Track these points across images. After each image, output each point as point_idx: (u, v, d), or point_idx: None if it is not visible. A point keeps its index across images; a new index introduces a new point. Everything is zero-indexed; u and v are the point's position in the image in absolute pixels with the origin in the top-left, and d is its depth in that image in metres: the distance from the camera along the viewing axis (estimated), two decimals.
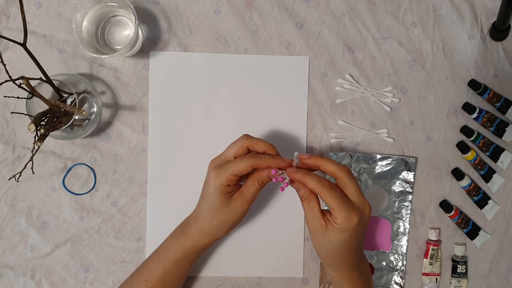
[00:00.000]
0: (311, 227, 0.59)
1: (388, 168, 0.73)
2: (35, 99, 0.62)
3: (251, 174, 0.62)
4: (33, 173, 0.63)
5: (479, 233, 0.74)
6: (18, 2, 0.58)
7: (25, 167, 0.62)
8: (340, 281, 0.61)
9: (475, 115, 0.73)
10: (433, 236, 0.73)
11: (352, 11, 0.73)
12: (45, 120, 0.63)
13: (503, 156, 0.73)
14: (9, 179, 0.65)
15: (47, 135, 0.62)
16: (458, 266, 0.73)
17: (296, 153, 0.60)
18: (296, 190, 0.60)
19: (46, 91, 0.65)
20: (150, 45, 0.72)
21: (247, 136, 0.62)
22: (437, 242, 0.73)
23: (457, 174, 0.73)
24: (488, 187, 0.74)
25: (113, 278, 0.72)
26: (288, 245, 0.73)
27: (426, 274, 0.73)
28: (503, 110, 0.73)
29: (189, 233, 0.64)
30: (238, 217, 0.63)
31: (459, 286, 0.74)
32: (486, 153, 0.73)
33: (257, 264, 0.73)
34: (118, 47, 0.70)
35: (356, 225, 0.56)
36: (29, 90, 0.58)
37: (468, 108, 0.73)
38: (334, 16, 0.73)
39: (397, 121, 0.74)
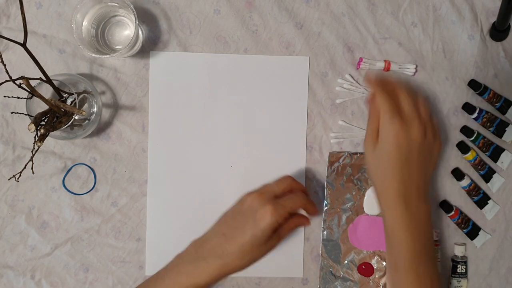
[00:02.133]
0: (365, 143, 0.62)
1: None
2: (35, 99, 0.62)
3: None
4: (33, 173, 0.63)
5: (479, 233, 0.74)
6: (18, 2, 0.58)
7: (25, 167, 0.62)
8: (390, 225, 0.60)
9: (475, 115, 0.73)
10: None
11: (352, 11, 0.73)
12: (45, 120, 0.63)
13: (503, 156, 0.73)
14: (9, 179, 0.65)
15: (47, 135, 0.62)
16: (458, 266, 0.73)
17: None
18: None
19: (46, 91, 0.65)
20: (150, 45, 0.72)
21: (291, 178, 0.65)
22: (437, 242, 0.73)
23: (457, 174, 0.73)
24: (488, 187, 0.74)
25: (113, 278, 0.72)
26: (288, 245, 0.73)
27: None
28: (503, 110, 0.73)
29: (206, 269, 0.59)
30: (266, 255, 0.61)
31: (459, 286, 0.74)
32: (486, 153, 0.73)
33: (257, 264, 0.73)
34: (118, 47, 0.70)
35: (397, 133, 0.58)
36: (29, 90, 0.58)
37: (468, 108, 0.73)
38: (334, 16, 0.73)
39: None
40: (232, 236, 0.59)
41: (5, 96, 0.64)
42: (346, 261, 0.73)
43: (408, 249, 0.60)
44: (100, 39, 0.70)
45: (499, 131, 0.73)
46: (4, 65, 0.59)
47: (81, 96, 0.67)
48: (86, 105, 0.69)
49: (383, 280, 0.73)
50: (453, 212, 0.73)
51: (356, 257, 0.73)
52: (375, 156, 0.61)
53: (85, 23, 0.68)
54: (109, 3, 0.68)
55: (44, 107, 0.64)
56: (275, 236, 0.60)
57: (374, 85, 0.62)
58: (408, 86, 0.63)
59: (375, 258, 0.73)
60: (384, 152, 0.60)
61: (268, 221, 0.58)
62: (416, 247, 0.60)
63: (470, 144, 0.74)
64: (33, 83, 0.60)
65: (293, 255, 0.73)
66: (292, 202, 0.60)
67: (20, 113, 0.65)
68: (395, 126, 0.59)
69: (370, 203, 0.73)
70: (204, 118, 0.73)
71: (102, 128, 0.72)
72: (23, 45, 0.59)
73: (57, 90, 0.64)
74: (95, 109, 0.69)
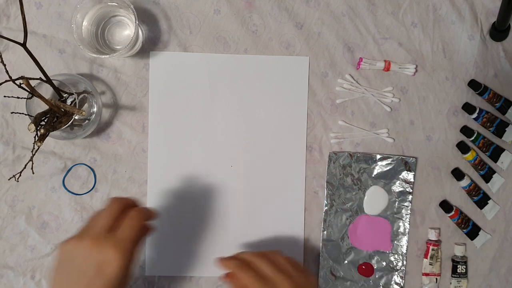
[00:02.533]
0: None
1: (388, 168, 0.73)
2: (35, 99, 0.62)
3: None
4: (33, 173, 0.63)
5: (479, 233, 0.74)
6: (18, 2, 0.58)
7: (25, 167, 0.62)
8: None
9: (475, 115, 0.73)
10: (433, 236, 0.73)
11: (352, 12, 0.73)
12: (45, 120, 0.63)
13: (503, 156, 0.73)
14: (9, 179, 0.65)
15: (47, 135, 0.62)
16: (458, 266, 0.73)
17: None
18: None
19: (46, 91, 0.65)
20: (150, 45, 0.72)
21: (117, 199, 0.57)
22: (437, 242, 0.73)
23: (457, 174, 0.73)
24: (488, 187, 0.74)
25: None
26: (288, 245, 0.73)
27: (426, 274, 0.73)
28: (503, 110, 0.73)
29: None
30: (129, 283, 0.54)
31: (459, 286, 0.74)
32: (486, 153, 0.73)
33: None
34: (118, 47, 0.70)
35: None
36: (29, 90, 0.58)
37: (468, 108, 0.73)
38: (334, 16, 0.73)
39: (397, 121, 0.74)
40: None
41: (5, 96, 0.64)
42: (346, 261, 0.73)
43: None
44: (100, 39, 0.70)
45: (499, 131, 0.73)
46: (4, 65, 0.59)
47: (81, 96, 0.67)
48: (86, 105, 0.69)
49: (383, 280, 0.73)
50: (453, 212, 0.73)
51: (356, 257, 0.73)
52: None
53: (85, 23, 0.68)
54: (109, 3, 0.68)
55: (44, 107, 0.64)
56: (129, 267, 0.53)
57: (228, 266, 0.62)
58: (259, 253, 0.63)
59: (375, 258, 0.73)
60: None
61: (117, 267, 0.50)
62: None
63: (470, 144, 0.74)
64: (33, 83, 0.60)
65: (293, 255, 0.73)
66: (132, 229, 0.53)
67: (20, 113, 0.65)
68: None
69: (370, 203, 0.73)
70: (204, 118, 0.73)
71: (102, 128, 0.72)
72: (23, 45, 0.59)
73: (57, 90, 0.64)
74: (95, 109, 0.69)
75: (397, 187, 0.73)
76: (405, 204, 0.73)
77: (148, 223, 0.58)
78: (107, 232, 0.53)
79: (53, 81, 0.63)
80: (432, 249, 0.73)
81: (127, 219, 0.54)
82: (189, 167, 0.72)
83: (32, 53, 0.60)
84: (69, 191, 0.72)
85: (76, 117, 0.66)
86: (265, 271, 0.60)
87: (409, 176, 0.73)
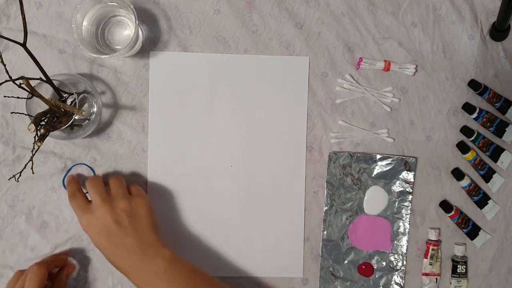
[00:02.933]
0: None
1: (388, 168, 0.73)
2: (35, 99, 0.62)
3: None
4: (33, 173, 0.63)
5: (479, 233, 0.74)
6: (18, 2, 0.58)
7: (25, 167, 0.62)
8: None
9: (475, 115, 0.73)
10: (433, 236, 0.73)
11: (352, 11, 0.73)
12: (45, 120, 0.63)
13: (503, 156, 0.73)
14: (9, 179, 0.65)
15: (47, 135, 0.62)
16: (458, 266, 0.73)
17: None
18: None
19: (46, 91, 0.65)
20: (150, 45, 0.72)
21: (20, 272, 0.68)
22: (437, 242, 0.73)
23: (457, 174, 0.73)
24: (488, 187, 0.74)
25: (113, 278, 0.72)
26: (288, 246, 0.73)
27: (426, 274, 0.73)
28: (503, 110, 0.73)
29: None
30: None
31: (459, 286, 0.74)
32: (486, 153, 0.73)
33: (257, 264, 0.73)
34: (118, 47, 0.70)
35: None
36: (29, 90, 0.58)
37: (468, 108, 0.73)
38: (334, 16, 0.73)
39: (397, 121, 0.74)
40: None
41: (5, 96, 0.64)
42: (346, 261, 0.73)
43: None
44: (100, 39, 0.70)
45: (499, 131, 0.73)
46: (4, 65, 0.59)
47: (81, 96, 0.67)
48: (86, 105, 0.69)
49: (383, 280, 0.73)
50: (453, 212, 0.73)
51: (356, 257, 0.73)
52: (96, 246, 0.65)
53: (85, 23, 0.68)
54: (109, 3, 0.68)
55: (44, 107, 0.64)
56: None
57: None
58: (93, 178, 0.68)
59: (375, 258, 0.73)
60: (96, 244, 0.64)
61: None
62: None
63: (470, 144, 0.74)
64: (33, 83, 0.60)
65: (293, 255, 0.73)
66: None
67: (20, 113, 0.65)
68: (83, 221, 0.65)
69: (370, 203, 0.73)
70: (204, 118, 0.73)
71: (102, 128, 0.72)
72: (23, 45, 0.59)
73: (57, 90, 0.64)
74: (95, 109, 0.69)
75: (397, 187, 0.73)
76: (405, 204, 0.73)
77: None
78: None
79: (53, 81, 0.63)
80: (432, 249, 0.73)
81: (25, 276, 0.65)
82: (189, 167, 0.72)
83: (32, 53, 0.60)
84: None
85: (76, 117, 0.66)
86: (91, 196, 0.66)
87: (409, 176, 0.73)
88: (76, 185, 0.68)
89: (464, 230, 0.74)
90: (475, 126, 0.74)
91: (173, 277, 0.62)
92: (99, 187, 0.66)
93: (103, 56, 0.66)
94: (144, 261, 0.62)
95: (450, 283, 0.74)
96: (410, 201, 0.73)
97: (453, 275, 0.74)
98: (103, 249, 0.63)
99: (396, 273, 0.73)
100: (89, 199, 0.66)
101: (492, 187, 0.74)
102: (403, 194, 0.73)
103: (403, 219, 0.73)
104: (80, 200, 0.66)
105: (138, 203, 0.66)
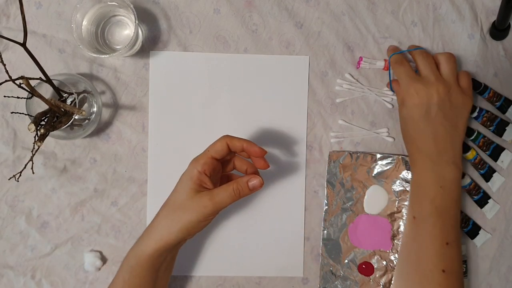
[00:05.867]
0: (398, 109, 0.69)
1: (388, 167, 0.73)
2: (35, 99, 0.62)
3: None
4: (33, 173, 0.63)
5: (479, 232, 0.74)
6: (18, 2, 0.58)
7: (25, 167, 0.62)
8: (416, 179, 0.66)
9: (475, 114, 0.73)
10: None
11: (352, 11, 0.73)
12: (45, 120, 0.63)
13: (503, 155, 0.73)
14: (9, 179, 0.65)
15: (47, 135, 0.62)
16: None
17: None
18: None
19: (46, 91, 0.65)
20: (150, 45, 0.72)
21: (226, 135, 0.62)
22: None
23: None
24: (488, 187, 0.74)
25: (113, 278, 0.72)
26: (288, 245, 0.73)
27: None
28: (503, 109, 0.73)
29: (141, 236, 0.62)
30: (196, 218, 0.58)
31: None
32: (486, 153, 0.73)
33: (257, 264, 0.73)
34: (118, 47, 0.70)
35: (412, 96, 0.65)
36: (29, 90, 0.58)
37: None
38: (334, 16, 0.73)
39: (397, 120, 0.74)
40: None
41: (5, 96, 0.64)
42: (346, 261, 0.73)
43: (430, 202, 0.63)
44: (100, 38, 0.70)
45: (499, 130, 0.73)
46: (4, 65, 0.59)
47: (81, 96, 0.67)
48: (86, 105, 0.69)
49: (383, 280, 0.73)
50: None
51: (356, 257, 0.73)
52: (402, 118, 0.68)
53: (85, 22, 0.68)
54: (109, 3, 0.68)
55: (44, 107, 0.64)
56: (205, 195, 0.59)
57: (391, 61, 0.69)
58: (424, 51, 0.69)
59: (376, 257, 0.73)
60: (406, 115, 0.66)
61: (186, 172, 0.61)
62: (438, 201, 0.63)
63: (470, 143, 0.74)
64: (33, 83, 0.60)
65: (293, 255, 0.73)
66: (210, 147, 0.61)
67: (20, 113, 0.65)
68: (410, 90, 0.65)
69: (370, 202, 0.73)
70: (204, 118, 0.73)
71: (102, 128, 0.72)
72: (23, 45, 0.59)
73: (57, 90, 0.64)
74: (95, 109, 0.69)
75: (397, 187, 0.73)
76: (405, 203, 0.73)
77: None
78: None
79: (53, 81, 0.63)
80: None
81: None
82: None
83: (32, 53, 0.60)
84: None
85: (76, 117, 0.66)
86: (423, 71, 0.67)
87: (409, 175, 0.73)
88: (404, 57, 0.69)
89: (464, 229, 0.73)
90: (475, 125, 0.74)
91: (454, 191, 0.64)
92: (433, 65, 0.66)
93: (103, 56, 0.66)
94: (437, 161, 0.64)
95: None
96: None
97: None
98: (412, 123, 0.65)
99: None
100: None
101: (492, 186, 0.74)
102: (403, 193, 0.73)
103: (403, 218, 0.73)
104: (409, 68, 0.67)
105: (466, 102, 0.66)
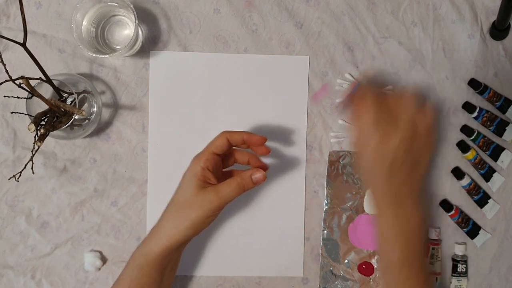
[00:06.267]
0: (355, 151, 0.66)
1: None
2: (35, 99, 0.62)
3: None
4: (33, 173, 0.63)
5: (479, 232, 0.74)
6: (18, 2, 0.58)
7: (25, 167, 0.62)
8: (381, 228, 0.61)
9: (475, 114, 0.73)
10: (433, 235, 0.73)
11: (352, 11, 0.73)
12: (45, 120, 0.63)
13: (503, 155, 0.73)
14: (9, 179, 0.65)
15: (47, 135, 0.62)
16: (458, 265, 0.73)
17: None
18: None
19: (46, 91, 0.65)
20: (150, 45, 0.72)
21: (225, 131, 0.63)
22: (437, 242, 0.73)
23: (457, 173, 0.73)
24: (488, 186, 0.74)
25: (113, 278, 0.72)
26: (288, 245, 0.73)
27: None
28: (503, 109, 0.73)
29: (148, 235, 0.62)
30: (204, 214, 0.59)
31: (459, 285, 0.74)
32: (486, 152, 0.73)
33: (257, 264, 0.73)
34: (118, 46, 0.70)
35: (377, 144, 0.59)
36: (29, 90, 0.58)
37: (468, 107, 0.73)
38: (334, 16, 0.73)
39: None
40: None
41: (5, 96, 0.64)
42: (346, 261, 0.73)
43: (399, 252, 0.59)
44: (100, 38, 0.70)
45: (499, 130, 0.73)
46: (4, 65, 0.59)
47: (81, 96, 0.67)
48: (86, 105, 0.69)
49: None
50: (453, 211, 0.73)
51: (356, 257, 0.73)
52: (364, 163, 0.61)
53: (85, 22, 0.68)
54: (109, 3, 0.68)
55: (44, 107, 0.64)
56: (211, 191, 0.60)
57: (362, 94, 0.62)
58: (400, 89, 0.64)
59: (375, 257, 0.73)
60: (370, 161, 0.60)
61: (189, 169, 0.61)
62: (406, 251, 0.59)
63: (470, 143, 0.74)
64: (33, 83, 0.60)
65: (293, 255, 0.73)
66: (211, 143, 0.62)
67: (20, 113, 0.65)
68: (375, 137, 0.59)
69: (370, 202, 0.73)
70: (204, 118, 0.73)
71: (102, 128, 0.72)
72: (23, 45, 0.59)
73: (57, 90, 0.64)
74: (95, 109, 0.69)
75: None
76: None
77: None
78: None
79: (53, 81, 0.63)
80: (432, 248, 0.73)
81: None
82: None
83: (32, 53, 0.60)
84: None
85: (76, 117, 0.66)
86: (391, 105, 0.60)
87: None
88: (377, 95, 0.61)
89: (464, 229, 0.73)
90: (475, 125, 0.74)
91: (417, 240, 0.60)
92: (413, 109, 0.60)
93: (103, 56, 0.66)
94: (397, 210, 0.60)
95: (450, 282, 0.74)
96: None
97: (453, 274, 0.74)
98: (369, 167, 0.60)
99: None
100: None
101: (492, 186, 0.74)
102: None
103: None
104: (386, 112, 0.60)
105: (425, 146, 0.61)
